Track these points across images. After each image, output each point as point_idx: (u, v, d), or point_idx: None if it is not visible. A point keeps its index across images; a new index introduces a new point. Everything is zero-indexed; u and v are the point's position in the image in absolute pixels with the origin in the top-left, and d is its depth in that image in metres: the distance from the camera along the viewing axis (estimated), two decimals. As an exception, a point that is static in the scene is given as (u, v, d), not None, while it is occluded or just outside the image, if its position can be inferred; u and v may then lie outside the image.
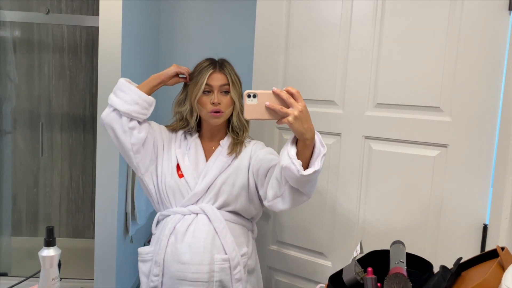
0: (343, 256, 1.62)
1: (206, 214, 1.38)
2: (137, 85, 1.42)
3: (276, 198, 1.25)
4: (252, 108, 1.06)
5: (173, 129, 1.51)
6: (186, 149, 1.46)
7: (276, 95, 1.06)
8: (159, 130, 1.48)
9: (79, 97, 3.21)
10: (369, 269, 0.99)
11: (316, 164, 1.09)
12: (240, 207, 1.42)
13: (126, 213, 2.46)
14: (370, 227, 1.57)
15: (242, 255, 1.41)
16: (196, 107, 1.43)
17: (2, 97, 2.81)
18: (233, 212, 1.43)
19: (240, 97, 1.45)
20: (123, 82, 1.38)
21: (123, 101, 1.35)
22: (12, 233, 2.93)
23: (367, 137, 1.56)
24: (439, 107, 1.41)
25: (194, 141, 1.48)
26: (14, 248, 2.80)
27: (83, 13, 3.03)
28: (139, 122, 1.40)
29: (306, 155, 1.10)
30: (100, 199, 2.28)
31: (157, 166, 1.45)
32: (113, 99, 1.37)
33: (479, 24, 1.33)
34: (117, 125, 1.36)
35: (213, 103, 1.40)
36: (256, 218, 1.54)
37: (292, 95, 1.06)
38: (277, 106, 1.05)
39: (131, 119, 1.37)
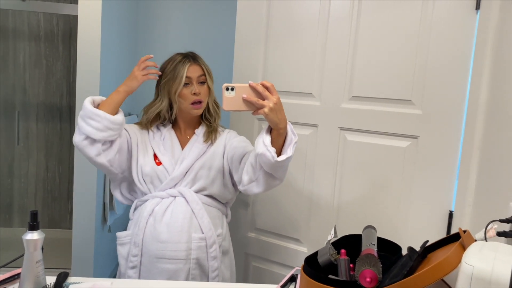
0: (318, 242, 1.69)
1: (184, 197, 1.44)
2: (103, 98, 1.42)
3: (251, 183, 1.36)
4: (230, 100, 1.16)
5: (145, 126, 1.53)
6: (161, 139, 1.51)
7: (253, 88, 1.16)
8: (131, 131, 1.50)
9: (56, 86, 3.17)
10: (342, 250, 1.05)
11: (288, 151, 1.22)
12: (216, 191, 1.50)
13: (104, 203, 2.47)
14: (344, 214, 1.64)
15: (217, 235, 1.48)
16: (177, 101, 1.47)
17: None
18: (209, 196, 1.50)
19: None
20: (90, 109, 1.35)
21: (95, 129, 1.35)
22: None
23: (342, 128, 1.63)
24: (410, 100, 1.49)
25: (168, 131, 1.53)
26: (-12, 238, 2.77)
27: (61, 1, 2.98)
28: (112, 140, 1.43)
29: (279, 143, 1.23)
30: (78, 189, 2.27)
31: (132, 162, 1.48)
32: (84, 127, 1.35)
33: (448, 22, 1.41)
34: (92, 151, 1.37)
35: (194, 94, 1.45)
36: (230, 203, 1.61)
37: (267, 88, 1.17)
38: (253, 98, 1.16)
39: (105, 141, 1.39)
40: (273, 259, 1.83)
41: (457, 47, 1.40)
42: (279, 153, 1.23)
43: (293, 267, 1.75)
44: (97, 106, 1.39)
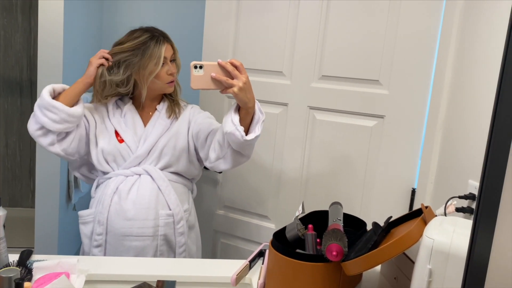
0: (286, 219, 1.71)
1: (149, 174, 1.43)
2: (65, 87, 1.36)
3: (218, 160, 1.37)
4: (199, 79, 1.15)
5: (99, 100, 1.45)
6: (121, 117, 1.47)
7: (221, 67, 1.16)
8: (88, 114, 1.44)
9: (15, 60, 3.03)
10: (310, 226, 1.08)
11: (256, 130, 1.25)
12: (182, 168, 1.49)
13: (68, 181, 2.41)
14: (311, 191, 1.68)
15: (184, 211, 1.48)
16: (147, 81, 1.40)
17: None
18: (174, 173, 1.48)
19: None
20: (48, 101, 1.29)
21: (51, 121, 1.30)
22: None
23: (311, 108, 1.65)
24: (378, 80, 1.52)
25: (129, 108, 1.48)
26: None
27: (20, -31, 2.83)
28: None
29: (247, 121, 1.25)
30: (41, 167, 2.21)
31: (91, 146, 1.44)
32: (40, 117, 1.30)
33: (417, 6, 1.43)
34: (46, 140, 1.34)
35: (171, 74, 1.43)
36: (196, 179, 1.61)
37: (236, 67, 1.18)
38: (222, 77, 1.16)
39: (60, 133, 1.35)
40: (242, 236, 1.86)
41: (424, 27, 1.43)
42: (246, 131, 1.24)
43: (261, 243, 1.79)
44: (57, 95, 1.34)
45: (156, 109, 1.51)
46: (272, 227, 1.77)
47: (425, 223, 0.97)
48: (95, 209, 1.45)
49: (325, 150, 1.64)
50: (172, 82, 1.45)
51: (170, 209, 1.43)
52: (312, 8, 1.60)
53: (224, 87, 1.18)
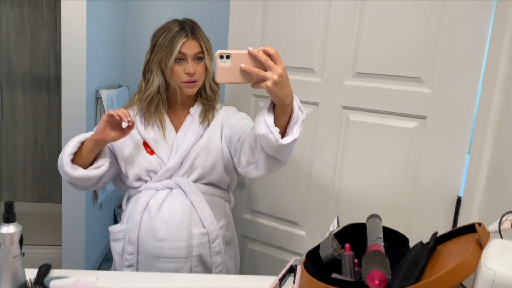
0: (317, 226, 1.62)
1: (181, 188, 1.31)
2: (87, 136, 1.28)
3: (250, 165, 1.19)
4: (225, 71, 0.95)
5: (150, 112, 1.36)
6: (151, 124, 1.35)
7: (252, 56, 0.95)
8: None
9: (42, 56, 3.02)
10: (347, 245, 0.97)
11: (294, 132, 1.03)
12: (216, 178, 1.36)
13: (94, 179, 2.38)
14: (345, 198, 1.56)
15: (220, 228, 1.36)
16: (169, 75, 1.31)
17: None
18: (209, 184, 1.36)
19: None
20: (67, 174, 1.25)
21: (71, 184, 1.30)
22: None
23: (345, 107, 1.53)
24: (419, 78, 1.38)
25: (159, 113, 1.36)
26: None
27: (44, -36, 2.80)
28: None
29: (283, 122, 1.04)
30: (67, 164, 2.19)
31: (121, 165, 1.35)
32: (63, 176, 1.28)
33: (462, 1, 1.29)
34: (78, 187, 1.33)
35: (188, 73, 1.29)
36: (232, 187, 1.48)
37: (270, 56, 0.95)
38: (254, 69, 0.94)
39: None
40: (270, 242, 1.77)
41: (473, 23, 1.28)
42: (283, 133, 1.05)
43: (290, 251, 1.70)
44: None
45: (189, 112, 1.38)
46: (302, 234, 1.67)
47: (481, 246, 0.85)
48: (125, 225, 1.36)
49: (359, 153, 1.51)
50: (190, 82, 1.31)
51: (205, 227, 1.31)
52: (346, -1, 1.47)
53: (255, 81, 0.96)
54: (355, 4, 1.45)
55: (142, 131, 1.35)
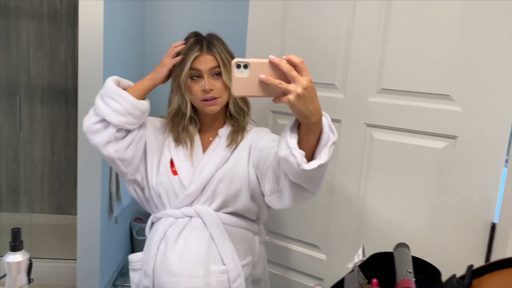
0: (338, 250, 1.54)
1: (201, 218, 1.21)
2: (130, 83, 1.24)
3: (273, 194, 1.05)
4: (242, 82, 0.83)
5: (176, 131, 1.30)
6: (181, 142, 1.28)
7: (274, 66, 0.82)
8: (149, 125, 1.29)
9: (60, 68, 3.03)
10: (374, 280, 0.89)
11: (322, 155, 0.87)
12: (241, 207, 1.24)
13: (110, 193, 2.36)
14: (369, 221, 1.48)
15: (244, 266, 1.23)
16: (184, 93, 1.24)
17: (-22, 67, 2.64)
18: (233, 214, 1.25)
19: None
20: (113, 88, 1.17)
21: (114, 111, 1.16)
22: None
23: (369, 125, 1.45)
24: (449, 95, 1.30)
25: (190, 132, 1.29)
26: (-7, 224, 2.69)
27: (63, -23, 2.82)
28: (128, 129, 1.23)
29: (311, 143, 0.88)
30: (83, 177, 2.19)
31: (146, 165, 1.27)
32: (102, 107, 1.17)
33: (497, 13, 1.21)
34: (102, 137, 1.18)
35: (204, 90, 1.21)
36: (262, 218, 1.34)
37: (294, 66, 0.82)
38: (274, 80, 0.81)
39: (119, 128, 1.19)
40: (288, 265, 1.69)
41: (505, 40, 1.20)
42: (310, 157, 0.89)
43: (309, 275, 1.62)
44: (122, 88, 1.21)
45: (217, 134, 1.29)
46: (322, 257, 1.59)
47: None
48: (144, 255, 1.27)
49: (385, 174, 1.43)
50: (208, 100, 1.22)
51: (224, 264, 1.19)
52: (370, 11, 1.40)
53: (277, 94, 0.82)
54: (379, 16, 1.39)
55: (172, 148, 1.28)
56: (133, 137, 1.23)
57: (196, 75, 1.22)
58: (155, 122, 1.32)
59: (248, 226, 1.28)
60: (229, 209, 1.24)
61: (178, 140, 1.28)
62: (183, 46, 1.25)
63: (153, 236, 1.24)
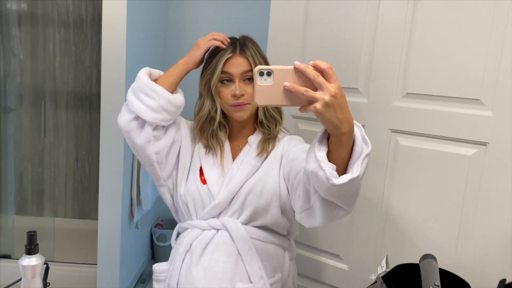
0: (361, 259, 1.48)
1: (228, 231, 1.16)
2: (161, 73, 1.19)
3: (304, 211, 0.97)
4: (266, 90, 0.79)
5: (201, 136, 1.26)
6: (212, 150, 1.23)
7: (299, 73, 0.77)
8: (184, 128, 1.24)
9: (85, 75, 3.08)
10: (399, 293, 0.85)
11: (355, 169, 0.80)
12: (271, 221, 1.18)
13: (131, 198, 2.37)
14: (393, 232, 1.42)
15: (272, 284, 1.18)
16: (215, 98, 1.19)
17: (6, 73, 2.70)
18: (262, 228, 1.19)
19: None
20: (147, 83, 1.12)
21: (148, 108, 1.11)
22: (16, 212, 2.87)
23: (393, 131, 1.40)
24: (479, 99, 1.24)
25: (221, 139, 1.24)
26: (18, 228, 2.73)
27: (88, -14, 2.87)
28: (165, 126, 1.18)
29: (342, 156, 0.82)
30: (104, 182, 2.19)
31: (178, 171, 1.23)
32: (135, 104, 1.12)
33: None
34: (141, 137, 1.14)
35: (234, 95, 1.15)
36: (293, 234, 1.29)
37: (321, 72, 0.77)
38: (300, 88, 0.76)
39: (156, 126, 1.15)
40: (310, 275, 1.64)
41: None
42: (342, 171, 0.82)
43: (331, 285, 1.57)
44: (154, 81, 1.15)
45: (247, 141, 1.24)
46: (345, 268, 1.54)
47: None
48: (168, 267, 1.23)
49: (410, 182, 1.38)
50: (239, 106, 1.16)
51: (251, 282, 1.13)
52: (395, 11, 1.36)
53: (303, 103, 0.78)
54: (405, 17, 1.34)
55: (202, 155, 1.23)
56: (172, 136, 1.18)
57: (226, 78, 1.17)
58: (191, 125, 1.27)
59: (277, 241, 1.23)
60: (258, 223, 1.18)
61: (208, 147, 1.23)
62: (223, 37, 1.18)
63: (179, 247, 1.20)
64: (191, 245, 1.17)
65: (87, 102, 3.13)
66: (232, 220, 1.16)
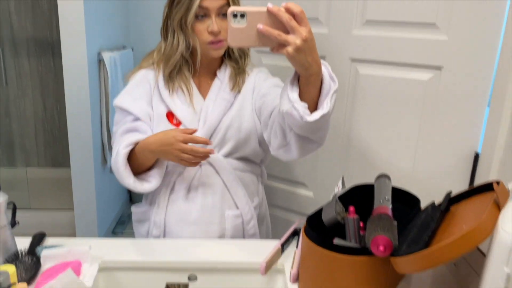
0: (325, 187, 1.55)
1: (212, 165, 1.19)
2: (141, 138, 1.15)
3: (281, 148, 1.05)
4: (239, 32, 0.80)
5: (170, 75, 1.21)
6: (175, 91, 1.20)
7: (272, 15, 0.79)
8: (148, 106, 1.21)
9: (44, 19, 2.94)
10: (351, 208, 0.90)
11: (325, 105, 0.88)
12: (250, 152, 1.22)
13: (102, 143, 2.36)
14: (354, 157, 1.48)
15: (254, 208, 1.25)
16: (190, 34, 1.14)
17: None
18: (241, 159, 1.23)
19: None
20: (123, 179, 1.14)
21: (153, 185, 1.16)
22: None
23: (354, 60, 1.41)
24: (435, 23, 1.25)
25: (183, 78, 1.20)
26: (-12, 178, 2.72)
27: None
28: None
29: (312, 94, 0.88)
30: (72, 129, 2.19)
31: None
32: (128, 186, 1.14)
33: None
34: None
35: (211, 32, 1.12)
36: (265, 161, 1.34)
37: (294, 15, 0.79)
38: (273, 30, 0.79)
39: None
40: (276, 203, 1.71)
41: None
42: (313, 108, 0.89)
43: (297, 212, 1.65)
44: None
45: (216, 75, 1.23)
46: (310, 195, 1.61)
47: (499, 207, 0.77)
48: (150, 207, 1.26)
49: (370, 109, 1.41)
50: (215, 43, 1.13)
51: (238, 208, 1.21)
52: None
53: (275, 44, 0.81)
54: None
55: (167, 98, 1.19)
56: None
57: (202, 14, 1.12)
58: (140, 78, 1.23)
59: (253, 169, 1.28)
60: (238, 155, 1.22)
61: (173, 88, 1.20)
62: (195, 131, 1.13)
63: (160, 187, 1.21)
64: (174, 183, 1.20)
65: (49, 48, 3.01)
66: (214, 154, 1.18)
